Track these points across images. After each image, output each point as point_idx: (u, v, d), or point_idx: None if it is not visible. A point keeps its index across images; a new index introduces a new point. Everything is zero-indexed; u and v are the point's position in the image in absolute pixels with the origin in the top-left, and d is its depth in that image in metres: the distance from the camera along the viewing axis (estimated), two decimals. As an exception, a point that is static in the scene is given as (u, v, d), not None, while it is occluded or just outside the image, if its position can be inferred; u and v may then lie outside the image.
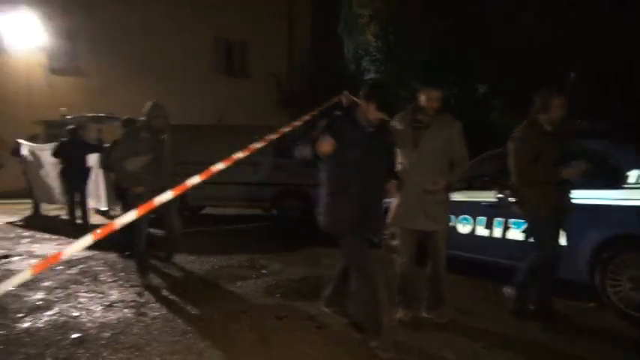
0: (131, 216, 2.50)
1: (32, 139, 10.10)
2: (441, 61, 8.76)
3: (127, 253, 5.70)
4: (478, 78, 8.73)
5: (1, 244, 6.59)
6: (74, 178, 8.08)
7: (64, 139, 8.37)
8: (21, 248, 6.36)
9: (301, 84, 15.92)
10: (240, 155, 2.89)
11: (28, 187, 9.54)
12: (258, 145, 3.05)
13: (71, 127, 8.36)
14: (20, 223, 8.59)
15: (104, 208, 9.21)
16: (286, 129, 3.54)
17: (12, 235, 7.37)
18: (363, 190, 2.92)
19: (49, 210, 9.97)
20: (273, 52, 17.00)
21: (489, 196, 4.15)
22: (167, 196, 2.65)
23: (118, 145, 4.83)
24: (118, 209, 9.09)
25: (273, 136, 3.37)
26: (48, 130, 14.91)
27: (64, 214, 9.11)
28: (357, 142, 2.89)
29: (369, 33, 11.29)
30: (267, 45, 16.95)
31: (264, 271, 5.09)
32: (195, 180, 2.70)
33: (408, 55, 9.71)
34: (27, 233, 7.50)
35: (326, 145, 2.75)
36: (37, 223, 8.62)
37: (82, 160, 8.22)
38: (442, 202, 3.23)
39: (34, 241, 6.94)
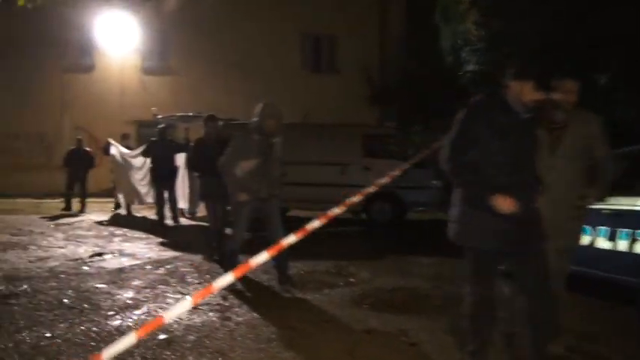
0: (290, 240, 2.69)
1: (123, 138, 11.28)
2: (554, 49, 8.09)
3: (215, 257, 6.00)
4: (598, 67, 8.12)
5: (94, 242, 7.44)
6: (163, 178, 8.90)
7: (153, 139, 9.21)
8: (113, 246, 7.11)
9: (394, 79, 15.69)
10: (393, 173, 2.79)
11: (113, 186, 10.74)
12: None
13: (161, 126, 9.20)
14: (110, 221, 9.61)
15: (187, 209, 10.02)
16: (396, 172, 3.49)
17: (105, 232, 8.28)
18: (518, 192, 2.47)
19: (138, 209, 11.09)
20: (363, 45, 16.96)
21: (617, 204, 3.78)
22: (314, 224, 2.73)
23: (227, 147, 4.75)
24: (198, 211, 9.76)
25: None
26: (139, 130, 16.78)
27: (152, 214, 10.03)
28: (510, 131, 2.49)
29: (469, 21, 10.99)
30: (357, 38, 16.97)
31: (351, 280, 5.08)
32: (315, 224, 2.80)
33: (514, 44, 9.10)
34: (119, 232, 8.35)
35: (508, 203, 2.34)
36: (127, 222, 9.57)
37: (171, 160, 9.02)
38: (579, 217, 2.96)
39: (126, 239, 7.71)
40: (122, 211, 10.67)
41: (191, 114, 11.80)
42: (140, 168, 10.13)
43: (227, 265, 4.82)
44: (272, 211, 4.67)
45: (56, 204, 11.96)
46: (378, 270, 5.44)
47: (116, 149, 10.54)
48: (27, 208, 11.79)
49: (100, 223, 9.37)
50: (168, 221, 9.22)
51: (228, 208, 5.29)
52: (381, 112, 15.96)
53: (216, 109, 15.63)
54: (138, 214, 10.69)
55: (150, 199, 10.01)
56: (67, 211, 10.70)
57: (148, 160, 9.62)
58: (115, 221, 9.61)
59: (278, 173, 4.74)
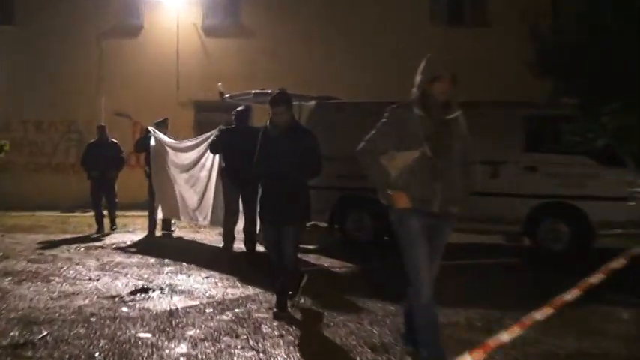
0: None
1: (159, 126, 11.52)
2: None
3: (296, 299, 6.23)
4: None
5: (137, 273, 7.90)
6: (242, 183, 9.19)
7: (224, 128, 9.60)
8: (161, 280, 7.51)
9: (574, 35, 14.56)
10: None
11: (149, 195, 11.34)
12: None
13: (240, 109, 9.53)
14: (154, 245, 10.17)
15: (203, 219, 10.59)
16: None
17: (151, 260, 8.79)
18: None
19: (181, 229, 11.59)
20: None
21: None
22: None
23: (370, 132, 4.58)
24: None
25: None
26: (197, 116, 17.64)
27: (204, 236, 10.41)
28: None
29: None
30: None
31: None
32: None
33: None
34: (168, 259, 8.84)
35: None
36: (176, 246, 10.12)
37: (252, 157, 9.28)
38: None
39: (178, 270, 8.12)
40: (157, 232, 11.38)
41: (270, 91, 12.12)
42: (201, 167, 10.64)
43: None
44: (439, 243, 4.31)
45: (88, 219, 12.95)
46: (547, 324, 5.13)
47: (158, 141, 11.12)
48: (51, 225, 12.96)
49: (134, 247, 9.92)
50: (237, 245, 9.56)
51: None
52: (554, 83, 14.94)
53: (306, 82, 15.81)
54: (184, 236, 11.33)
55: (202, 218, 10.55)
56: (100, 234, 11.51)
57: (211, 159, 10.06)
58: (161, 246, 10.22)
59: (469, 172, 4.34)
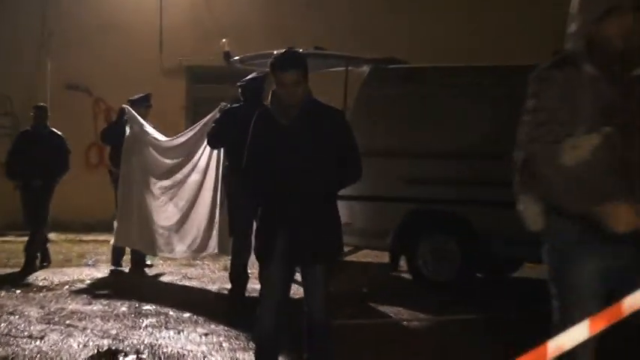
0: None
1: (124, 111, 11.63)
2: None
3: None
4: None
5: (101, 327, 7.88)
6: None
7: (227, 107, 9.68)
8: (138, 338, 7.47)
9: None
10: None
11: (118, 212, 11.40)
12: None
13: (250, 77, 9.56)
14: (122, 285, 10.16)
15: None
16: None
17: (123, 308, 8.77)
18: None
19: (162, 265, 11.55)
20: None
21: None
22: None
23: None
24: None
25: None
26: (190, 88, 17.74)
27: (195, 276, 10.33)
28: None
29: None
30: None
31: None
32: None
33: None
34: (148, 307, 8.83)
35: None
36: (157, 288, 10.03)
37: None
38: None
39: (162, 323, 8.10)
40: (125, 268, 11.53)
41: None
42: (180, 171, 10.72)
43: None
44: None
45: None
46: None
47: (135, 129, 11.19)
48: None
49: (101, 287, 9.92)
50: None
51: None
52: None
53: (354, 39, 15.74)
54: (172, 272, 11.29)
55: (184, 247, 10.65)
56: (27, 271, 11.26)
57: (207, 156, 10.16)
58: (136, 287, 10.26)
59: None
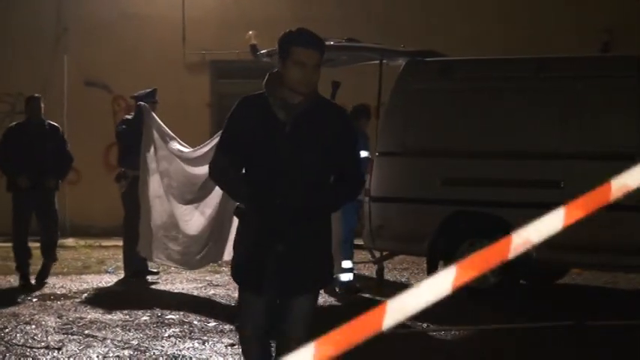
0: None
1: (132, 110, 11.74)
2: None
3: None
4: None
5: (122, 337, 7.91)
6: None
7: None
8: (161, 349, 7.50)
9: None
10: None
11: (126, 220, 11.50)
12: None
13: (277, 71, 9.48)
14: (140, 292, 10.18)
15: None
16: None
17: (144, 317, 8.81)
18: None
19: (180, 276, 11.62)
20: None
21: None
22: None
23: None
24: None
25: None
26: (214, 84, 17.77)
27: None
28: None
29: None
30: None
31: None
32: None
33: None
34: (172, 315, 8.84)
35: None
36: (181, 295, 10.08)
37: None
38: None
39: (188, 332, 8.12)
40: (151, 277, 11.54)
41: (332, 42, 12.06)
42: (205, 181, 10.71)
43: None
44: None
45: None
46: None
47: (158, 131, 11.21)
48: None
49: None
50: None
51: None
52: None
53: (390, 32, 15.76)
54: (196, 278, 11.30)
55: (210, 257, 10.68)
56: (23, 286, 10.79)
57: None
58: (157, 295, 10.36)
59: None
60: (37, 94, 11.58)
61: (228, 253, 10.36)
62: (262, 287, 4.83)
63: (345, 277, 10.41)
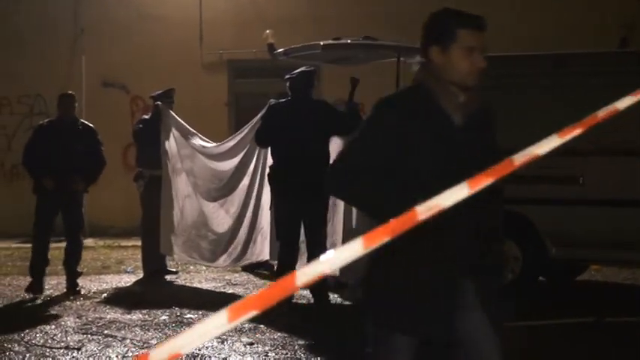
0: None
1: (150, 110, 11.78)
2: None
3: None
4: None
5: (141, 336, 7.97)
6: (301, 196, 9.15)
7: (274, 102, 9.74)
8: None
9: None
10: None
11: (144, 219, 11.59)
12: None
13: (299, 71, 9.54)
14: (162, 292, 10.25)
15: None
16: None
17: (163, 317, 8.86)
18: None
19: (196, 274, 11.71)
20: None
21: None
22: None
23: None
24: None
25: None
26: (232, 84, 17.83)
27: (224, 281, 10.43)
28: None
29: None
30: None
31: None
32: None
33: None
34: (190, 315, 8.87)
35: None
36: (199, 293, 10.08)
37: (322, 151, 9.40)
38: None
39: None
40: (171, 277, 11.60)
41: (350, 41, 12.06)
42: (231, 178, 10.88)
43: None
44: None
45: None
46: None
47: (179, 129, 11.32)
48: (1, 262, 13.29)
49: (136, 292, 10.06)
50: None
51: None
52: None
53: (410, 28, 15.76)
54: (212, 277, 11.37)
55: (233, 258, 10.87)
56: (34, 294, 10.28)
57: (256, 157, 10.30)
58: (175, 294, 10.42)
59: None
60: (70, 92, 11.19)
61: (251, 254, 10.46)
62: (433, 331, 3.85)
63: None
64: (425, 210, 2.04)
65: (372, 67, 12.52)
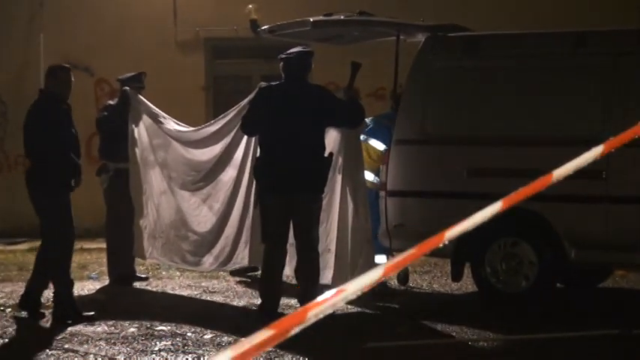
0: None
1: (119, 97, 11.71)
2: None
3: None
4: None
5: (110, 352, 7.92)
6: (288, 188, 9.21)
7: (264, 86, 9.79)
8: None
9: None
10: None
11: (109, 218, 11.58)
12: None
13: (294, 51, 9.59)
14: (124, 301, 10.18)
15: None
16: None
17: (132, 328, 8.79)
18: None
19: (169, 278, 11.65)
20: None
21: None
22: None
23: None
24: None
25: None
26: (210, 66, 17.81)
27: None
28: None
29: None
30: None
31: None
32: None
33: None
34: (162, 327, 8.82)
35: None
36: (171, 302, 10.07)
37: (317, 139, 9.45)
38: None
39: (182, 345, 8.10)
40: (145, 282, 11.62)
41: (343, 17, 12.02)
42: (214, 168, 10.82)
43: None
44: None
45: (18, 255, 13.14)
46: None
47: (149, 114, 11.31)
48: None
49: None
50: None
51: None
52: None
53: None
54: (185, 284, 11.30)
55: (215, 259, 10.79)
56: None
57: (244, 146, 10.21)
58: (145, 303, 10.39)
59: None
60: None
61: (240, 257, 10.37)
62: None
63: None
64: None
65: (367, 48, 12.47)
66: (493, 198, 9.04)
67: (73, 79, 10.15)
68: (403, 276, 11.14)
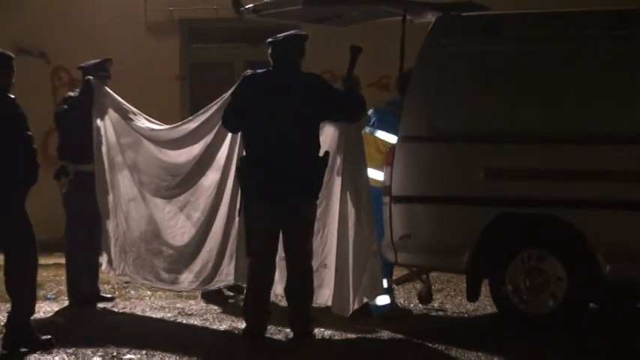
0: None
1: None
2: None
3: None
4: None
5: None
6: (275, 193, 9.21)
7: (250, 73, 9.74)
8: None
9: None
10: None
11: (68, 229, 11.59)
12: None
13: (287, 34, 9.58)
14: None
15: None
16: None
17: (95, 358, 8.78)
18: None
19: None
20: None
21: None
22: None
23: None
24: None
25: None
26: (189, 52, 17.91)
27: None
28: None
29: None
30: None
31: None
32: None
33: None
34: (131, 355, 8.83)
35: None
36: (140, 327, 10.12)
37: (310, 134, 9.49)
38: None
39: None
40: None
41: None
42: (192, 170, 10.83)
43: None
44: None
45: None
46: None
47: (112, 105, 11.37)
48: None
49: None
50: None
51: None
52: None
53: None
54: (156, 306, 11.31)
55: (193, 278, 10.82)
56: None
57: (228, 146, 10.25)
58: (110, 327, 10.37)
59: None
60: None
61: (224, 275, 10.34)
62: None
63: (382, 300, 10.37)
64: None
65: (369, 29, 12.48)
66: (515, 204, 9.13)
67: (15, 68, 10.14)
68: (426, 293, 11.11)
